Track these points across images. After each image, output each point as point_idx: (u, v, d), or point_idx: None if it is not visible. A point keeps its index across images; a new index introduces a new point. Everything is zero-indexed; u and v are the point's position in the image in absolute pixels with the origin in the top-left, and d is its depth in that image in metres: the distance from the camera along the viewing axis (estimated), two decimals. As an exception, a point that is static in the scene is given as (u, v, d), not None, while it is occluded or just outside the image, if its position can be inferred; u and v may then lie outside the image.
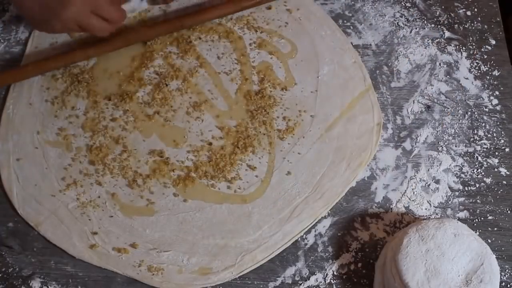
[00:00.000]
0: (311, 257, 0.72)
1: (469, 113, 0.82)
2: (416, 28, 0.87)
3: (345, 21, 0.88)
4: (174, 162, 0.76)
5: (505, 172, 0.78)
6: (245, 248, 0.71)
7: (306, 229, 0.73)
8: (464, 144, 0.80)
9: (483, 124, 0.81)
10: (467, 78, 0.84)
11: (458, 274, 0.65)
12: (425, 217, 0.75)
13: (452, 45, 0.86)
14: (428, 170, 0.78)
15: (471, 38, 0.87)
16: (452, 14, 0.88)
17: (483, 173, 0.78)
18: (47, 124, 0.79)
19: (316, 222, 0.74)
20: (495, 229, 0.74)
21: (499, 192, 0.77)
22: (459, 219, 0.74)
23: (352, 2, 0.89)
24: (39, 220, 0.72)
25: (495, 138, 0.80)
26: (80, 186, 0.74)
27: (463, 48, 0.87)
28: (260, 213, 0.73)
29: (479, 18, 0.88)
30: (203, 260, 0.71)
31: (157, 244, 0.71)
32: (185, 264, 0.70)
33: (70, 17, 0.73)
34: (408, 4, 0.89)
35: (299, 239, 0.73)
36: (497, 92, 0.83)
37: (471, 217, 0.75)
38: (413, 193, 0.76)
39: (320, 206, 0.74)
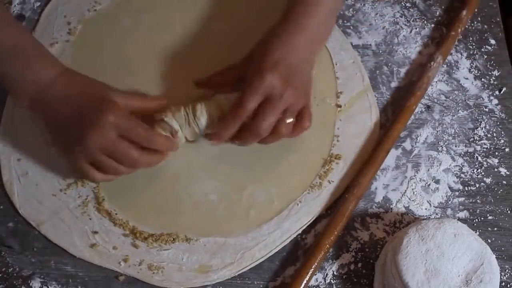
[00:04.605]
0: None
1: (469, 113, 0.82)
2: (416, 28, 0.88)
3: (345, 21, 0.88)
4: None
5: (505, 172, 0.78)
6: (244, 245, 0.71)
7: (304, 227, 0.73)
8: (464, 144, 0.80)
9: (483, 124, 0.81)
10: (467, 78, 0.84)
11: (458, 274, 0.64)
12: (425, 217, 0.75)
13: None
14: (428, 170, 0.78)
15: (471, 38, 0.87)
16: (452, 14, 0.88)
17: (483, 173, 0.78)
18: (48, 124, 0.79)
19: (316, 222, 0.74)
20: (495, 229, 0.74)
21: (499, 192, 0.77)
22: (459, 219, 0.74)
23: (352, 2, 0.89)
24: (40, 220, 0.72)
25: (495, 138, 0.80)
26: (81, 185, 0.74)
27: (463, 48, 0.87)
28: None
29: (479, 18, 0.88)
30: (203, 258, 0.71)
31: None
32: (185, 262, 0.70)
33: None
34: (408, 4, 0.89)
35: (299, 239, 0.73)
36: (497, 92, 0.83)
37: (471, 217, 0.75)
38: (413, 193, 0.76)
39: (317, 205, 0.74)
